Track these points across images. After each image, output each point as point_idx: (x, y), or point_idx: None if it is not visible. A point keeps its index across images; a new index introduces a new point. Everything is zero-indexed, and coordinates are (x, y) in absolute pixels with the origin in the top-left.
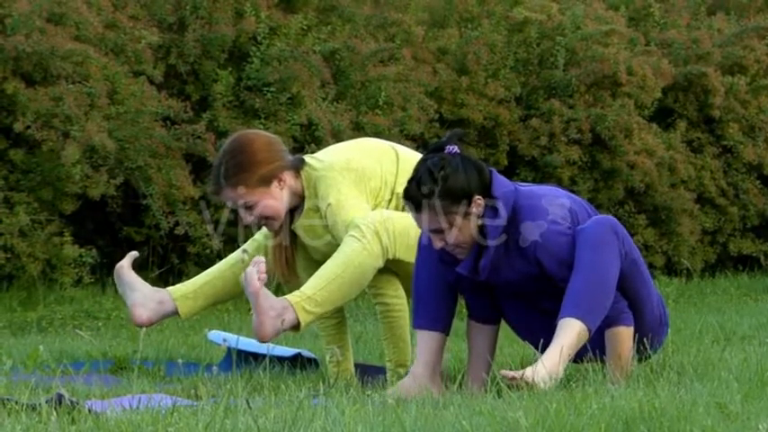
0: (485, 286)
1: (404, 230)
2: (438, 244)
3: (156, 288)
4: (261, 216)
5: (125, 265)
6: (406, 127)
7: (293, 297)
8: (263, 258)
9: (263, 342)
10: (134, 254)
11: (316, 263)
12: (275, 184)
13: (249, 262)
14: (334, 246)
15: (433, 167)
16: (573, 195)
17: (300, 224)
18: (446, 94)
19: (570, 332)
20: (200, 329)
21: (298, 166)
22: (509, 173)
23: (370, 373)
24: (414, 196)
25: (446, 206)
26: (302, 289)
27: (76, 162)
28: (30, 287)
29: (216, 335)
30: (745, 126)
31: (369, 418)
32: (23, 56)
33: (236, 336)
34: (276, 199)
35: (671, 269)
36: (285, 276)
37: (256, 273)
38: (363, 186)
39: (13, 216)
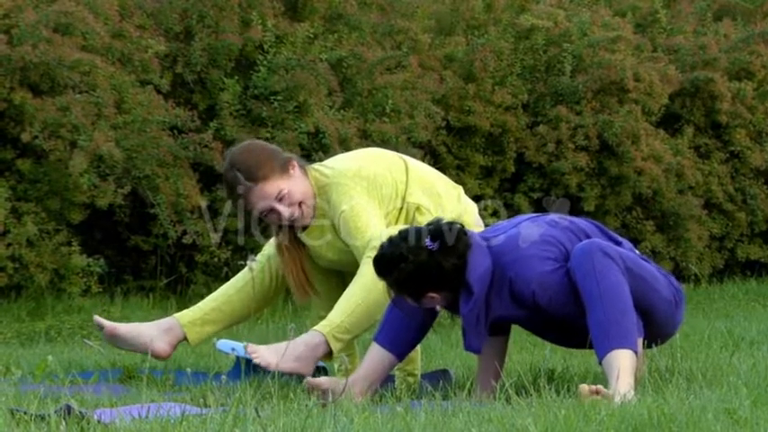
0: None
1: None
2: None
3: (155, 322)
4: (296, 202)
5: (111, 326)
6: (413, 134)
7: (323, 328)
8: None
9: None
10: (95, 318)
11: (322, 271)
12: (290, 170)
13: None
14: (336, 249)
15: (401, 256)
16: (553, 219)
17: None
18: (453, 101)
19: (619, 362)
20: (209, 338)
21: (302, 165)
22: (516, 180)
23: None
24: (377, 267)
25: (400, 293)
26: (329, 317)
27: (84, 172)
28: (38, 297)
29: (224, 344)
30: (753, 132)
31: (378, 426)
32: (30, 66)
33: (244, 345)
34: (299, 181)
35: (679, 275)
36: (303, 288)
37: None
38: (375, 194)
39: (20, 226)
